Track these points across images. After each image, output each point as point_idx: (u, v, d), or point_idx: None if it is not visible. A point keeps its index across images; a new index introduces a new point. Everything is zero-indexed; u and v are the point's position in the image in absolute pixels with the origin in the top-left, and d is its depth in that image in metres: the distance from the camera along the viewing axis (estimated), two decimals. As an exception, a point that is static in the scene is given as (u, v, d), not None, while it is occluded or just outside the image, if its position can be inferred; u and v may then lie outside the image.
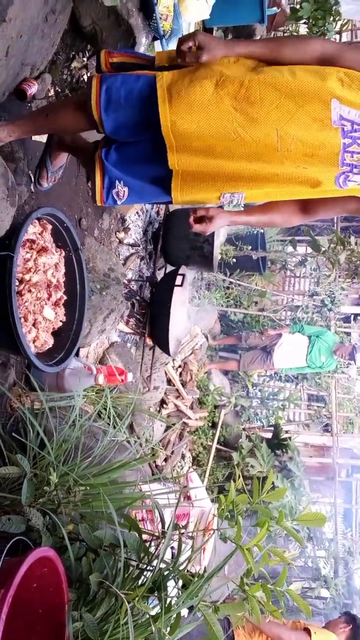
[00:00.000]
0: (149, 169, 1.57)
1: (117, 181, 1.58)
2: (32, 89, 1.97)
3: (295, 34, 5.46)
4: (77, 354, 2.31)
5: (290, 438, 5.32)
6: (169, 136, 1.45)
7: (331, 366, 5.42)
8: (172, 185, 1.55)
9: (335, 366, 5.52)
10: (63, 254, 2.02)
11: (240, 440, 5.16)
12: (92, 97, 1.50)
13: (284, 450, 5.10)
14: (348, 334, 6.70)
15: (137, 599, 1.31)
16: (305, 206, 1.66)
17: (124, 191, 1.59)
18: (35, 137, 2.12)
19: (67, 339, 2.02)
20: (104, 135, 1.62)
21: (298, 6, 4.25)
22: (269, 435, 5.47)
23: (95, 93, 1.50)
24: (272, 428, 5.65)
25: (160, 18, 2.25)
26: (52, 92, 2.21)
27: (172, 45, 2.55)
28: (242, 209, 1.58)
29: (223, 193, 1.54)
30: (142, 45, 2.23)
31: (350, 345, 5.48)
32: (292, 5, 4.52)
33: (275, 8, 4.59)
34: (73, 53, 2.31)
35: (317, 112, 1.40)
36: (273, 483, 4.05)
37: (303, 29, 5.07)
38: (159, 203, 1.60)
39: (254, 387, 6.50)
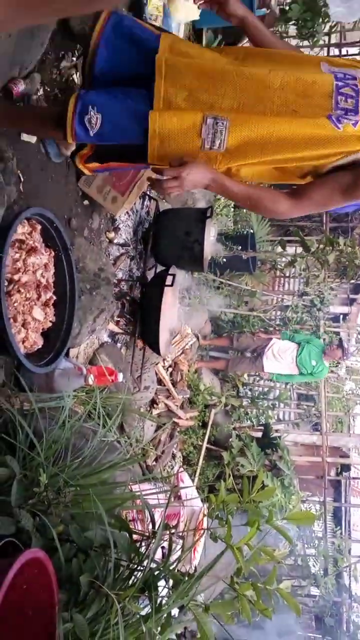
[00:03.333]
0: (129, 99, 1.49)
1: (90, 106, 1.47)
2: (19, 87, 1.97)
3: (285, 35, 5.49)
4: (66, 355, 2.31)
5: (280, 437, 5.35)
6: (161, 63, 1.43)
7: (322, 373, 5.42)
8: (153, 106, 1.45)
9: (325, 373, 5.53)
10: (52, 254, 2.01)
11: (230, 439, 5.18)
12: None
13: (273, 449, 5.12)
14: (337, 333, 6.74)
15: (127, 599, 1.31)
16: (295, 192, 1.55)
17: (97, 117, 1.47)
18: (25, 137, 2.12)
19: (56, 340, 2.02)
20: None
21: (287, 7, 4.27)
22: (259, 434, 5.49)
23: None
24: (262, 427, 5.67)
25: (150, 18, 2.25)
26: (41, 92, 2.20)
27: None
28: (223, 150, 1.44)
29: (206, 116, 1.40)
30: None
31: (335, 344, 5.52)
32: (281, 7, 4.54)
33: (264, 9, 4.61)
34: (62, 53, 2.31)
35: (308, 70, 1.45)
36: (263, 482, 4.06)
37: (292, 30, 5.10)
38: (131, 153, 1.54)
39: (244, 387, 6.52)
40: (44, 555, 1.23)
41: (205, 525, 2.61)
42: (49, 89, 2.26)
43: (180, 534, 2.06)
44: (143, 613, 1.37)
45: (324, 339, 6.05)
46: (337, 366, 6.55)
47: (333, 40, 5.78)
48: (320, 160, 1.45)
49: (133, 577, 1.46)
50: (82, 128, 1.48)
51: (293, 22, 4.38)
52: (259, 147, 1.43)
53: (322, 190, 1.48)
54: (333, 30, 5.52)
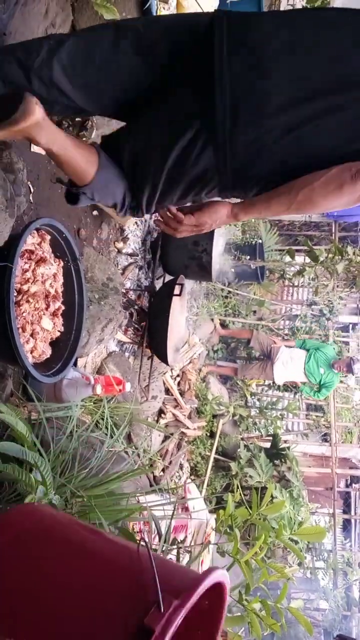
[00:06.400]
0: None
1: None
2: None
3: None
4: (75, 364, 2.30)
5: (288, 448, 5.30)
6: None
7: (332, 381, 5.36)
8: None
9: (336, 382, 5.46)
10: (61, 264, 2.01)
11: (238, 450, 5.14)
12: None
13: (282, 460, 5.08)
14: (346, 343, 6.70)
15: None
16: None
17: None
18: (35, 149, 2.13)
19: (65, 349, 2.01)
20: None
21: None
22: (268, 445, 5.45)
23: None
24: (270, 438, 5.63)
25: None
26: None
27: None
28: None
29: None
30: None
31: (347, 358, 5.46)
32: (291, 6, 4.56)
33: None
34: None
35: None
36: (272, 494, 4.02)
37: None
38: None
39: (253, 397, 6.48)
40: (227, 580, 0.91)
41: (212, 538, 2.58)
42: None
43: (188, 547, 2.03)
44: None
45: (334, 348, 6.01)
46: (346, 376, 6.49)
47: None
48: None
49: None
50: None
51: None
52: None
53: None
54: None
